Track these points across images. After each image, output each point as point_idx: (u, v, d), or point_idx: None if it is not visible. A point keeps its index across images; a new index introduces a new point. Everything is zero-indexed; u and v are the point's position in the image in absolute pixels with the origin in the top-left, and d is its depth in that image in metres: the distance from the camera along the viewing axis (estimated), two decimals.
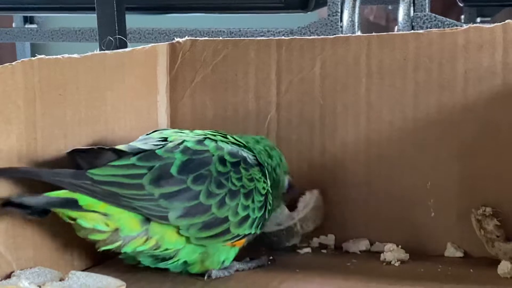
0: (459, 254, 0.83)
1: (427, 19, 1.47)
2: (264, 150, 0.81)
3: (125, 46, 0.95)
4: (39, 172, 0.71)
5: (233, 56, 0.91)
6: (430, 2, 1.51)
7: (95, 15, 1.09)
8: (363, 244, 0.86)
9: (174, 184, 0.72)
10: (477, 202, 0.81)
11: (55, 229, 0.76)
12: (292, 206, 0.86)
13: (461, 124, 0.82)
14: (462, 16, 2.00)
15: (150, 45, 0.91)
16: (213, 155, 0.75)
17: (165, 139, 0.76)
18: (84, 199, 0.70)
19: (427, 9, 1.48)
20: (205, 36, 0.94)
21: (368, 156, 0.86)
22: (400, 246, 0.83)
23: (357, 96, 0.86)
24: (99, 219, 0.71)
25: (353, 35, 0.88)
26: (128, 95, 0.87)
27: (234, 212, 0.74)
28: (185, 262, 0.75)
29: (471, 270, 0.78)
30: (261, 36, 1.42)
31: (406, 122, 0.84)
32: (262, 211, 0.77)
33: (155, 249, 0.73)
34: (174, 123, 0.92)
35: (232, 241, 0.75)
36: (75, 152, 0.74)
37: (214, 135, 0.78)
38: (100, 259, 0.79)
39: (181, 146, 0.74)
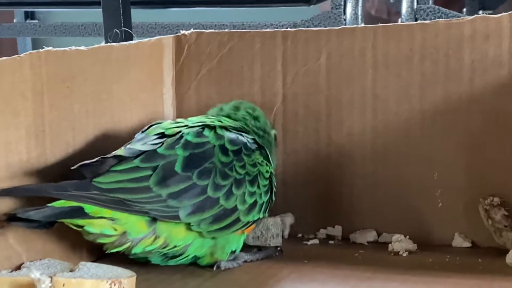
0: (467, 244, 0.83)
1: (430, 11, 1.47)
2: (248, 114, 0.81)
3: (131, 39, 0.95)
4: (44, 188, 0.70)
5: (239, 48, 0.91)
6: None
7: (96, 9, 1.09)
8: (371, 235, 0.86)
9: (180, 182, 0.72)
10: (485, 192, 0.81)
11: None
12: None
13: (468, 115, 0.82)
14: (464, 9, 2.00)
15: (155, 37, 0.91)
16: (214, 146, 0.75)
17: (162, 135, 0.75)
18: (90, 206, 0.70)
19: (430, 2, 1.48)
20: (208, 30, 0.94)
21: (374, 147, 0.86)
22: (407, 237, 0.83)
23: (363, 87, 0.86)
24: (107, 224, 0.71)
25: (359, 26, 0.88)
26: (134, 88, 0.87)
27: (242, 201, 0.74)
28: (194, 257, 0.75)
29: (479, 260, 0.78)
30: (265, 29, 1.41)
31: (413, 113, 0.84)
32: (269, 195, 0.77)
33: (164, 247, 0.73)
34: (180, 116, 0.92)
35: (242, 229, 0.76)
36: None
37: (212, 121, 0.77)
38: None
39: (182, 141, 0.74)
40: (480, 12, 1.95)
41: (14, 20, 2.20)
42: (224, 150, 0.75)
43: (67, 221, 0.70)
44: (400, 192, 0.85)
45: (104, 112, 0.82)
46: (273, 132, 0.83)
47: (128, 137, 0.82)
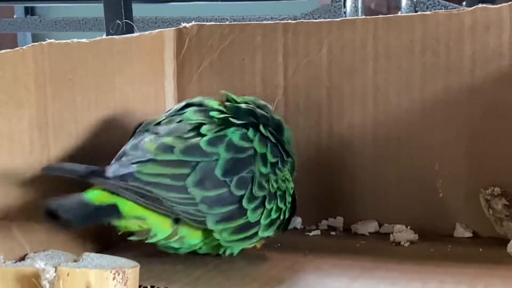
0: (468, 234, 0.83)
1: (430, 3, 1.47)
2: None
3: (132, 31, 0.95)
4: (82, 170, 0.70)
5: (240, 40, 0.91)
6: None
7: (97, 4, 1.10)
8: (372, 226, 0.87)
9: (217, 187, 0.71)
10: (486, 182, 0.81)
11: None
12: None
13: (468, 105, 0.83)
14: (464, 3, 2.00)
15: (157, 30, 0.92)
16: (256, 153, 0.73)
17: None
18: (124, 204, 0.69)
19: None
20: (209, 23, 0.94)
21: (375, 138, 0.87)
22: (409, 227, 0.84)
23: (364, 79, 0.87)
24: (135, 223, 0.71)
25: (360, 17, 0.88)
26: (136, 80, 0.87)
27: (267, 215, 0.74)
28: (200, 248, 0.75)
29: (481, 250, 0.79)
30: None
31: (414, 104, 0.85)
32: (290, 212, 0.77)
33: (177, 242, 0.73)
34: None
35: (255, 243, 0.76)
36: None
37: (257, 120, 0.75)
38: (112, 243, 0.79)
39: (226, 140, 0.72)
40: (480, 5, 1.95)
41: (14, 16, 2.21)
42: (264, 160, 0.73)
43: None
44: (401, 183, 0.86)
45: (106, 104, 0.83)
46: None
47: (130, 129, 0.82)
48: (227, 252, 0.76)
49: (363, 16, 0.89)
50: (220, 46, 0.92)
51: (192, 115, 0.74)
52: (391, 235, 0.83)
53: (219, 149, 0.72)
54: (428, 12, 0.84)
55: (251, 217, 0.73)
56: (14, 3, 2.17)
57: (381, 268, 0.73)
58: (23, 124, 0.73)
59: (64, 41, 0.77)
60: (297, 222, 0.89)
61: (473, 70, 0.82)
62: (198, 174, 0.70)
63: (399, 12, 1.55)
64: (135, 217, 0.70)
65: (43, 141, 0.75)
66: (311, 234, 0.87)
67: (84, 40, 0.79)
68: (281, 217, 0.75)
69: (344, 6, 1.46)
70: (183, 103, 0.77)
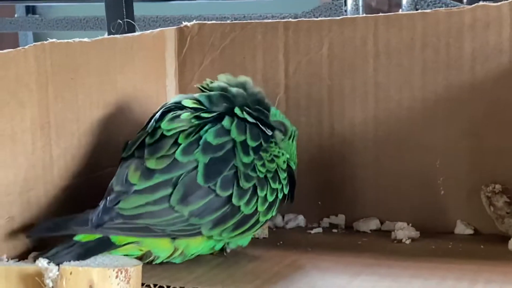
0: (469, 231, 0.84)
1: (431, 1, 1.47)
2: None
3: (134, 31, 0.96)
4: (68, 224, 0.69)
5: (241, 39, 0.91)
6: None
7: (98, 3, 1.10)
8: (374, 223, 0.87)
9: (202, 197, 0.70)
10: (487, 179, 0.82)
11: (70, 212, 0.77)
12: None
13: (469, 103, 0.83)
14: (465, 0, 2.00)
15: (158, 29, 0.92)
16: (236, 143, 0.72)
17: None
18: (116, 236, 0.70)
19: None
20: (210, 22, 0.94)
21: (376, 136, 0.87)
22: (410, 225, 0.84)
23: (365, 76, 0.87)
24: (133, 248, 0.71)
25: (360, 15, 0.88)
26: (137, 79, 0.88)
27: (262, 202, 0.73)
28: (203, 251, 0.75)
29: (482, 247, 0.79)
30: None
31: (414, 101, 0.85)
32: (288, 186, 0.76)
33: (179, 257, 0.74)
34: None
35: (261, 227, 0.76)
36: None
37: (231, 102, 0.74)
38: None
39: (201, 143, 0.71)
40: (481, 2, 1.95)
41: (16, 15, 2.21)
42: (245, 148, 0.72)
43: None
44: (402, 180, 0.86)
45: (108, 103, 0.83)
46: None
47: (132, 128, 0.82)
48: (232, 245, 0.76)
49: (364, 14, 0.89)
50: (221, 45, 0.92)
51: (168, 125, 0.73)
52: (392, 232, 0.83)
53: (195, 155, 0.70)
54: (428, 10, 0.84)
55: (246, 210, 0.72)
56: (15, 2, 2.17)
57: (383, 265, 0.74)
58: (25, 123, 0.73)
59: (66, 40, 0.77)
60: (300, 219, 0.89)
61: (473, 68, 0.82)
62: (180, 190, 0.70)
63: (400, 10, 1.55)
64: (130, 243, 0.71)
65: (45, 141, 0.75)
66: (313, 231, 0.87)
67: (86, 39, 0.79)
68: (279, 196, 0.74)
69: (345, 4, 1.46)
70: (159, 112, 0.75)
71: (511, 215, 0.80)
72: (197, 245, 0.73)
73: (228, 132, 0.72)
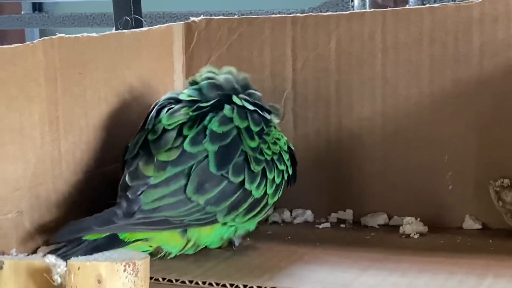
0: (478, 226, 0.83)
1: None
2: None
3: (141, 26, 0.96)
4: (90, 225, 0.69)
5: (248, 34, 0.91)
6: None
7: (106, 0, 1.10)
8: (382, 218, 0.87)
9: (216, 185, 0.71)
10: (495, 174, 0.81)
11: (78, 207, 0.77)
12: None
13: (477, 97, 0.83)
14: None
15: (166, 24, 0.92)
16: (241, 130, 0.73)
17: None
18: (123, 233, 0.70)
19: None
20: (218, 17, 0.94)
21: (384, 131, 0.87)
22: (418, 219, 0.84)
23: (372, 71, 0.87)
24: (141, 245, 0.71)
25: (368, 10, 0.88)
26: (145, 74, 0.88)
27: (271, 184, 0.74)
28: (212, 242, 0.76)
29: (490, 241, 0.79)
30: None
31: (422, 96, 0.85)
32: (291, 167, 0.77)
33: (192, 248, 0.74)
34: None
35: (270, 209, 0.77)
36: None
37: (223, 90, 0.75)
38: None
39: (208, 133, 0.72)
40: None
41: (22, 12, 2.21)
42: (250, 133, 0.73)
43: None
44: (410, 175, 0.86)
45: (116, 99, 0.83)
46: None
47: (139, 123, 0.82)
48: (239, 231, 0.76)
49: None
50: (229, 40, 0.92)
51: (168, 119, 0.73)
52: (400, 227, 0.83)
53: (204, 145, 0.71)
54: (436, 5, 0.84)
55: (257, 193, 0.73)
56: None
57: (391, 260, 0.74)
58: (34, 118, 0.73)
59: (74, 35, 0.77)
60: (307, 214, 0.89)
61: (481, 62, 0.82)
62: (195, 180, 0.70)
63: (407, 5, 1.55)
64: (138, 240, 0.71)
65: (54, 136, 0.75)
66: (321, 226, 0.87)
67: (94, 34, 0.80)
68: (285, 177, 0.76)
69: (352, 0, 1.46)
70: (155, 109, 0.76)
71: None
72: (208, 234, 0.74)
73: (231, 120, 0.73)
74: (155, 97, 0.89)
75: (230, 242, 0.76)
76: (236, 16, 0.93)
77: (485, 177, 0.82)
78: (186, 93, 0.76)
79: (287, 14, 0.92)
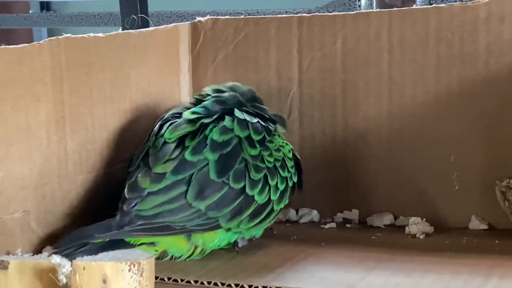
0: (484, 226, 0.83)
1: None
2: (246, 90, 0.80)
3: (148, 26, 0.96)
4: (90, 233, 0.70)
5: (255, 34, 0.91)
6: None
7: None
8: (387, 219, 0.87)
9: (217, 191, 0.72)
10: (501, 174, 0.81)
11: (84, 206, 0.77)
12: None
13: (483, 97, 0.83)
14: None
15: (172, 24, 0.92)
16: (240, 139, 0.73)
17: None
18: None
19: None
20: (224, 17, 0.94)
21: (390, 131, 0.87)
22: (424, 220, 0.83)
23: (379, 71, 0.87)
24: (148, 249, 0.72)
25: (374, 10, 0.88)
26: (151, 74, 0.88)
27: (274, 191, 0.74)
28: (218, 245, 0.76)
29: (496, 242, 0.79)
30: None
31: (428, 96, 0.85)
32: (296, 175, 0.77)
33: (199, 254, 0.74)
34: None
35: (276, 216, 0.76)
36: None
37: (227, 105, 0.76)
38: None
39: (208, 142, 0.73)
40: None
41: (30, 11, 2.22)
42: (251, 142, 0.74)
43: None
44: (416, 175, 0.86)
45: (122, 98, 0.83)
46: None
47: (146, 123, 0.83)
48: (246, 236, 0.76)
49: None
50: (235, 40, 0.92)
51: (170, 134, 0.74)
52: (406, 227, 0.83)
53: (204, 154, 0.72)
54: (443, 5, 0.84)
55: (260, 199, 0.73)
56: None
57: (396, 260, 0.74)
58: (40, 118, 0.73)
59: (80, 35, 0.77)
60: (313, 214, 0.89)
61: (487, 62, 0.82)
62: (195, 186, 0.71)
63: (414, 5, 1.55)
64: (144, 244, 0.72)
65: (60, 135, 0.75)
66: (326, 226, 0.87)
67: (100, 34, 0.80)
68: (290, 184, 0.76)
69: (359, 0, 1.46)
70: (158, 124, 0.77)
71: None
72: (213, 239, 0.74)
73: (231, 130, 0.74)
74: (162, 96, 0.89)
75: (234, 243, 0.76)
76: (242, 16, 0.93)
77: (491, 177, 0.82)
78: (189, 111, 0.76)
79: (294, 13, 0.92)
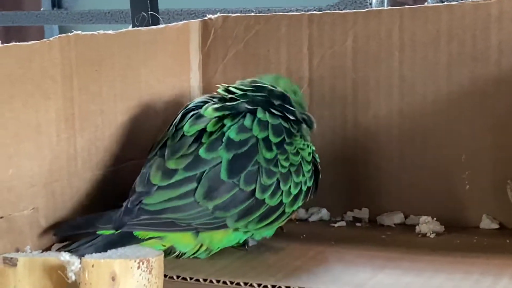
0: (495, 225, 0.83)
1: None
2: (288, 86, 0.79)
3: (158, 23, 0.96)
4: (92, 222, 0.70)
5: (265, 31, 0.91)
6: None
7: None
8: (398, 217, 0.86)
9: (226, 191, 0.71)
10: None
11: (93, 204, 0.77)
12: None
13: (495, 96, 0.82)
14: None
15: (182, 22, 0.92)
16: (258, 140, 0.72)
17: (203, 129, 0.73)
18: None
19: None
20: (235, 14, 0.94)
21: (401, 130, 0.86)
22: (435, 219, 0.83)
23: (389, 69, 0.86)
24: (156, 243, 0.72)
25: (385, 8, 0.88)
26: (161, 72, 0.88)
27: (287, 194, 0.73)
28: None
29: (507, 241, 0.78)
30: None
31: (440, 94, 0.84)
32: (313, 179, 0.76)
33: (205, 252, 0.74)
34: None
35: (287, 218, 0.76)
36: None
37: (253, 96, 0.75)
38: None
39: (224, 140, 0.72)
40: None
41: (41, 8, 2.22)
42: (267, 144, 0.72)
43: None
44: (427, 174, 0.85)
45: (132, 96, 0.83)
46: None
47: (155, 121, 0.83)
48: (256, 237, 0.76)
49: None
50: (245, 38, 0.92)
51: (189, 127, 0.73)
52: (417, 226, 0.83)
53: (219, 152, 0.71)
54: (454, 2, 0.83)
55: (271, 202, 0.72)
56: None
57: (406, 259, 0.73)
58: (50, 115, 0.73)
59: (90, 32, 0.77)
60: (323, 213, 0.89)
61: (499, 61, 0.81)
62: (205, 185, 0.70)
63: (426, 3, 1.54)
64: (152, 238, 0.71)
65: (70, 132, 0.75)
66: (336, 225, 0.87)
67: (110, 31, 0.80)
68: (304, 188, 0.75)
69: None
70: (180, 114, 0.76)
71: None
72: (220, 239, 0.74)
73: (250, 129, 0.73)
74: (171, 94, 0.89)
75: (244, 242, 0.76)
76: (253, 14, 0.93)
77: (503, 176, 0.81)
78: (214, 107, 0.74)
79: (305, 11, 0.92)
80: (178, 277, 0.70)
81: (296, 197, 0.74)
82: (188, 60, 0.92)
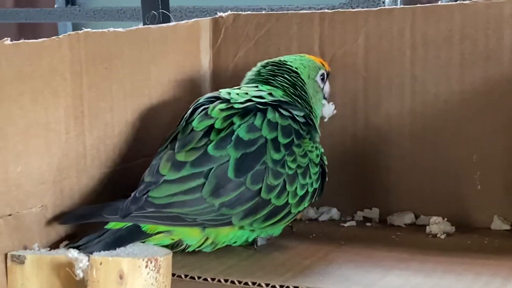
0: (506, 226, 0.82)
1: None
2: (286, 81, 0.79)
3: (169, 21, 0.96)
4: (98, 212, 0.70)
5: (276, 30, 0.91)
6: None
7: None
8: (408, 218, 0.86)
9: (233, 189, 0.71)
10: None
11: (102, 201, 0.77)
12: None
13: (507, 95, 0.81)
14: None
15: (193, 20, 0.92)
16: (267, 141, 0.72)
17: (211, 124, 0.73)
18: (146, 225, 0.70)
19: None
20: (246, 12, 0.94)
21: (412, 129, 0.86)
22: (445, 219, 0.82)
23: (401, 68, 0.86)
24: (164, 237, 0.72)
25: (397, 7, 0.87)
26: (171, 70, 0.87)
27: (293, 195, 0.73)
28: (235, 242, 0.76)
29: None
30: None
31: (452, 94, 0.84)
32: (319, 181, 0.76)
33: (210, 246, 0.74)
34: None
35: (293, 218, 0.76)
36: None
37: (263, 97, 0.75)
38: None
39: (233, 139, 0.72)
40: None
41: (55, 5, 2.23)
42: (276, 145, 0.72)
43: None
44: (438, 174, 0.85)
45: (141, 94, 0.83)
46: (319, 75, 0.82)
47: (165, 119, 0.82)
48: (263, 234, 0.76)
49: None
50: (256, 36, 0.92)
51: (198, 123, 0.73)
52: (427, 227, 0.82)
53: (227, 150, 0.71)
54: (467, 1, 0.83)
55: (277, 202, 0.73)
56: None
57: (416, 260, 0.73)
58: (59, 112, 0.73)
59: (100, 30, 0.77)
60: (333, 212, 0.89)
61: None
62: (212, 182, 0.70)
63: (439, 1, 1.53)
64: (161, 232, 0.71)
65: (79, 130, 0.75)
66: (346, 225, 0.86)
67: (120, 29, 0.79)
68: (310, 190, 0.75)
69: None
70: (191, 108, 0.76)
71: None
72: (226, 235, 0.73)
73: (259, 129, 0.73)
74: (181, 92, 0.89)
75: (253, 241, 0.76)
76: (264, 12, 0.93)
77: None
78: (223, 105, 0.74)
79: (317, 9, 0.91)
80: (186, 276, 0.70)
81: (302, 198, 0.74)
82: (198, 58, 0.92)
